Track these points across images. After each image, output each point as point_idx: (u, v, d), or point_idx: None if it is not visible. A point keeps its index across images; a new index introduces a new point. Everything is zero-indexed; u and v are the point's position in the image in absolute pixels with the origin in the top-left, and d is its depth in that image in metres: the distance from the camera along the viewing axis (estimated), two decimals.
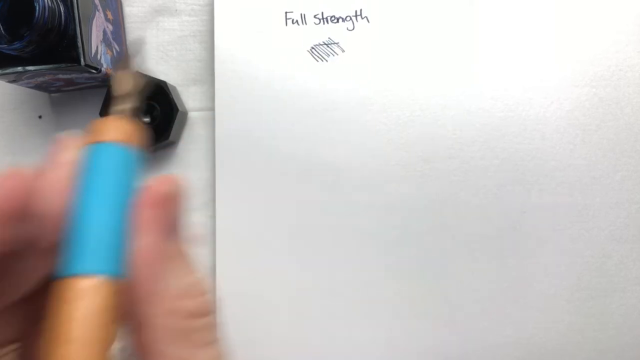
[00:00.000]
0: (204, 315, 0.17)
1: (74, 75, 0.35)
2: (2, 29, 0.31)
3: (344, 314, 0.36)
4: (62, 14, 0.32)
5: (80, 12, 0.32)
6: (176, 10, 0.39)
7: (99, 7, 0.35)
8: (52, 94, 0.41)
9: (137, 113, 0.18)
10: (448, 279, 0.36)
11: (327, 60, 0.36)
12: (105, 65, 0.35)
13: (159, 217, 0.16)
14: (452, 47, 0.35)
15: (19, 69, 0.32)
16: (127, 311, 0.15)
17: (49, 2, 0.31)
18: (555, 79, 0.35)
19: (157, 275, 0.16)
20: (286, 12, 0.36)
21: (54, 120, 0.41)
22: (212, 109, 0.38)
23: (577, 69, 0.35)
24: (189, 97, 0.40)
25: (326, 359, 0.37)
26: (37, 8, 0.30)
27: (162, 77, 0.38)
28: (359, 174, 0.36)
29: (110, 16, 0.37)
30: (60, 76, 0.35)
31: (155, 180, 0.16)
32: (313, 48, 0.36)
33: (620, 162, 0.35)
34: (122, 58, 0.19)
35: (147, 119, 0.39)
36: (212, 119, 0.38)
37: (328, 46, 0.36)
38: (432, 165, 0.35)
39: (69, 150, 0.16)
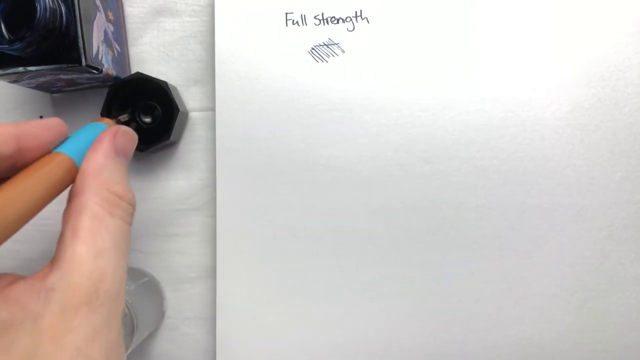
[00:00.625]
0: (127, 201, 0.25)
1: (75, 76, 0.35)
2: (3, 29, 0.32)
3: (344, 314, 0.36)
4: (64, 14, 0.32)
5: (81, 12, 0.32)
6: (177, 10, 0.39)
7: (100, 8, 0.36)
8: (54, 94, 0.41)
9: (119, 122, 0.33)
10: (447, 279, 0.36)
11: (327, 61, 0.36)
12: (106, 65, 0.35)
13: (113, 139, 0.26)
14: (452, 48, 0.35)
15: (20, 69, 0.32)
16: (74, 185, 0.24)
17: (50, 3, 0.31)
18: (554, 80, 0.35)
19: (102, 165, 0.25)
20: (286, 13, 0.36)
21: None
22: (213, 109, 0.38)
23: (576, 70, 0.35)
24: (189, 98, 0.40)
25: (325, 359, 0.37)
26: (38, 8, 0.30)
27: (163, 78, 0.39)
28: (359, 174, 0.36)
29: (111, 16, 0.37)
30: (62, 76, 0.35)
31: (118, 127, 0.27)
32: (313, 49, 0.36)
33: (619, 162, 0.35)
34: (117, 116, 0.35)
35: (148, 119, 0.39)
36: (213, 119, 0.38)
37: (328, 47, 0.36)
38: (432, 165, 0.36)
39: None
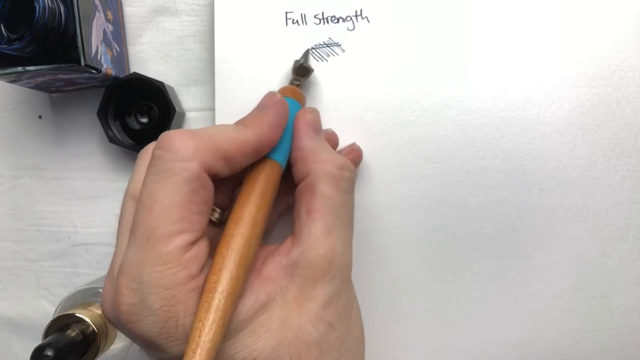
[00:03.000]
0: (347, 169, 0.28)
1: (74, 76, 0.35)
2: (2, 28, 0.31)
3: None
4: (63, 14, 0.32)
5: (80, 12, 0.32)
6: (176, 10, 0.39)
7: (99, 8, 0.35)
8: (52, 94, 0.41)
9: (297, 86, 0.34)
10: (448, 278, 0.36)
11: (327, 61, 0.36)
12: (105, 65, 0.35)
13: (306, 121, 0.29)
14: (453, 47, 0.35)
15: (19, 69, 0.32)
16: (296, 169, 0.28)
17: (49, 2, 0.31)
18: (555, 79, 0.35)
19: (314, 148, 0.28)
20: (286, 12, 0.36)
21: (54, 120, 0.41)
22: (212, 109, 0.38)
23: (577, 69, 0.35)
24: (189, 97, 0.40)
25: None
26: (38, 8, 0.30)
27: (162, 77, 0.38)
28: (359, 174, 0.36)
29: (110, 16, 0.37)
30: (60, 76, 0.35)
31: (303, 109, 0.31)
32: (313, 48, 0.36)
33: (620, 161, 0.35)
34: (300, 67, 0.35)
35: (144, 120, 0.39)
36: (213, 119, 0.38)
37: (328, 46, 0.36)
38: (433, 165, 0.36)
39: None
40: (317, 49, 0.36)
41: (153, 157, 0.23)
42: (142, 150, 0.28)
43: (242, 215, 0.25)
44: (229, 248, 0.23)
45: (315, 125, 0.30)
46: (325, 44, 0.36)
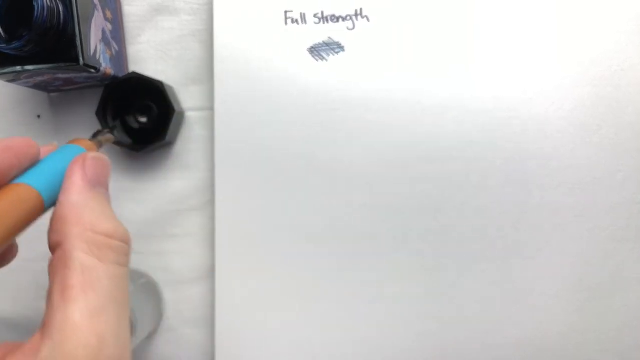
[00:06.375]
0: (118, 239, 0.21)
1: (72, 75, 0.35)
2: (1, 28, 0.31)
3: (344, 314, 0.36)
4: (61, 13, 0.32)
5: (79, 11, 0.32)
6: (175, 9, 0.39)
7: (98, 7, 0.35)
8: (51, 94, 0.41)
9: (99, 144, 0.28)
10: (449, 279, 0.36)
11: (327, 60, 0.36)
12: (104, 64, 0.35)
13: (83, 170, 0.22)
14: (453, 47, 0.35)
15: (18, 68, 0.32)
16: (52, 232, 0.21)
17: (48, 2, 0.31)
18: (556, 79, 0.35)
19: (79, 204, 0.21)
20: (286, 12, 0.36)
21: (53, 119, 0.41)
22: (212, 108, 0.38)
23: (579, 69, 0.35)
24: (188, 97, 0.39)
25: (325, 359, 0.36)
26: (37, 7, 0.30)
27: (161, 77, 0.38)
28: (359, 174, 0.36)
29: (109, 15, 0.37)
30: (59, 76, 0.35)
31: (84, 153, 0.24)
32: (313, 47, 0.36)
33: (621, 162, 0.35)
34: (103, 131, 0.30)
35: (144, 119, 0.39)
36: (212, 119, 0.38)
37: (328, 46, 0.36)
38: (434, 165, 0.35)
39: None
40: (317, 49, 0.36)
41: None
42: None
43: None
44: None
45: (97, 178, 0.23)
46: (325, 43, 0.36)
